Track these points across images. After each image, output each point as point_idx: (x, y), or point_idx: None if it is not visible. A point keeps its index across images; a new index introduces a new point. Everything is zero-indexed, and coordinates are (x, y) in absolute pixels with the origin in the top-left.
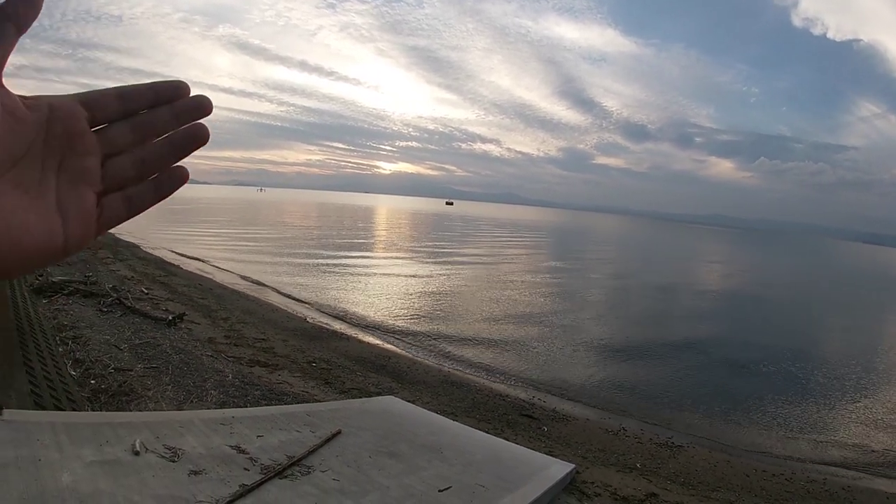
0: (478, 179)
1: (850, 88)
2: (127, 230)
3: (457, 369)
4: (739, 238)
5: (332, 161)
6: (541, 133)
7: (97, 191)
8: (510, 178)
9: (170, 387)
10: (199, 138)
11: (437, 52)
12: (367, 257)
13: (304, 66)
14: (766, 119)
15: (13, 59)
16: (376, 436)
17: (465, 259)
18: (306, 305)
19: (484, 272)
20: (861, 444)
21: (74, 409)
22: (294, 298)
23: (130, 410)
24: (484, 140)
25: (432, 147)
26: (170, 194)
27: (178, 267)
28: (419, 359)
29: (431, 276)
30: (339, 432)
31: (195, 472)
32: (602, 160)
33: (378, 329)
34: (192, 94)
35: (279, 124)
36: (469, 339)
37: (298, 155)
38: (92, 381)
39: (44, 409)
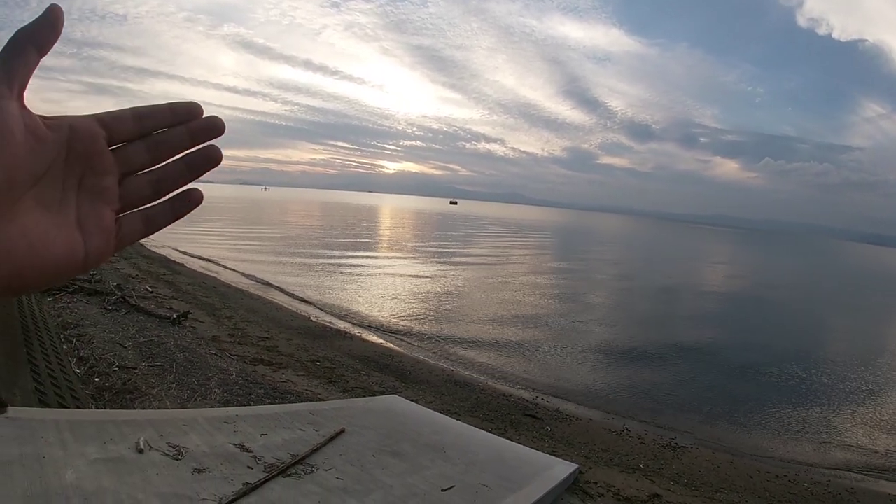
0: (482, 179)
1: (856, 89)
2: None
3: (460, 369)
4: (743, 238)
5: (336, 160)
6: (545, 133)
7: (115, 208)
8: (514, 177)
9: (174, 385)
10: (213, 159)
11: (441, 51)
12: (371, 257)
13: (308, 65)
14: (770, 119)
15: None
16: (380, 435)
17: (469, 259)
18: (310, 304)
19: (488, 273)
20: (865, 446)
21: (78, 407)
22: (298, 297)
23: (134, 408)
24: (488, 139)
25: (436, 146)
26: (185, 215)
27: (182, 265)
28: (423, 358)
29: (435, 277)
30: (342, 431)
31: (199, 471)
32: (606, 160)
33: (382, 328)
34: (209, 116)
35: (283, 123)
36: (473, 339)
37: (303, 154)
38: (96, 379)
39: (48, 406)
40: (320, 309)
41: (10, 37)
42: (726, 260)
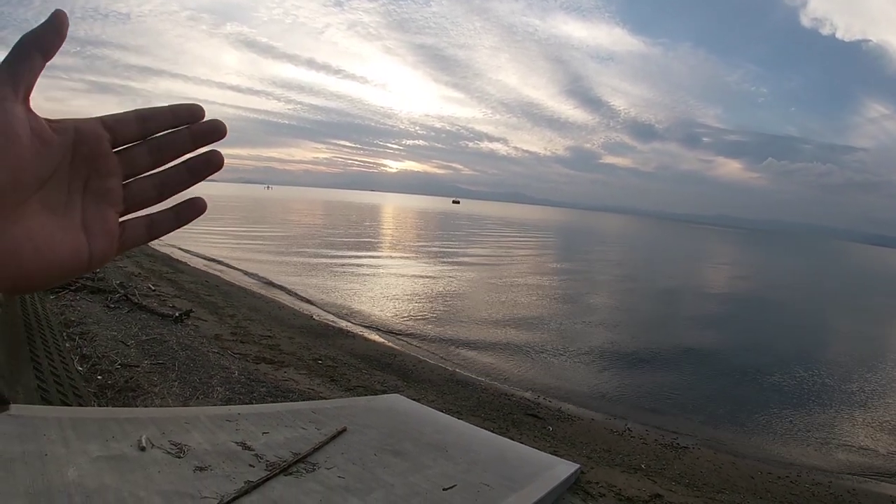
0: (484, 178)
1: (859, 89)
2: None
3: (462, 368)
4: (746, 239)
5: (338, 159)
6: (548, 132)
7: (119, 211)
8: (517, 177)
9: (176, 383)
10: (214, 164)
11: (444, 50)
12: (374, 257)
13: (311, 63)
14: (774, 119)
15: None
16: (381, 434)
17: (471, 259)
18: (312, 303)
19: (491, 273)
20: (867, 447)
21: (81, 405)
22: (300, 296)
23: (136, 406)
24: (491, 139)
25: (439, 145)
26: (188, 222)
27: (185, 264)
28: (425, 357)
29: (438, 277)
30: (344, 430)
31: (200, 469)
32: (609, 160)
33: (384, 328)
34: (210, 119)
35: (286, 122)
36: (475, 339)
37: (305, 153)
38: (98, 377)
39: (50, 404)
40: (322, 308)
41: (13, 38)
42: (729, 261)
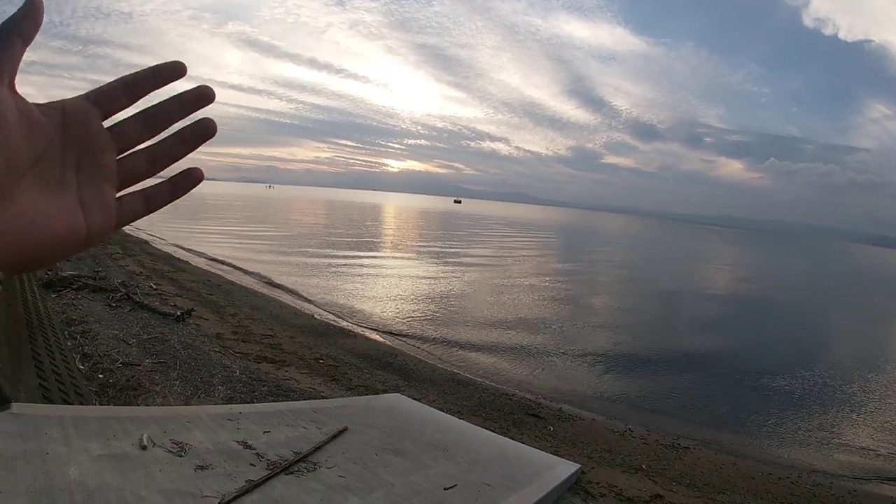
0: (486, 178)
1: (861, 89)
2: (137, 226)
3: (463, 368)
4: (748, 239)
5: (340, 158)
6: (550, 132)
7: (114, 185)
8: (519, 176)
9: (177, 382)
10: (207, 131)
11: (446, 49)
12: (375, 257)
13: (313, 63)
14: (776, 119)
15: (24, 56)
16: (382, 433)
17: (473, 260)
18: (314, 302)
19: (492, 274)
20: (868, 449)
21: (82, 404)
22: (302, 295)
23: (138, 405)
24: (493, 138)
25: (441, 145)
26: (185, 193)
27: (186, 263)
28: (426, 357)
29: (439, 277)
30: (345, 429)
31: (202, 467)
32: (611, 159)
33: (385, 327)
34: (198, 86)
35: (288, 121)
36: (476, 339)
37: (307, 152)
38: (100, 376)
39: (52, 402)
40: (324, 307)
41: None
42: (731, 261)
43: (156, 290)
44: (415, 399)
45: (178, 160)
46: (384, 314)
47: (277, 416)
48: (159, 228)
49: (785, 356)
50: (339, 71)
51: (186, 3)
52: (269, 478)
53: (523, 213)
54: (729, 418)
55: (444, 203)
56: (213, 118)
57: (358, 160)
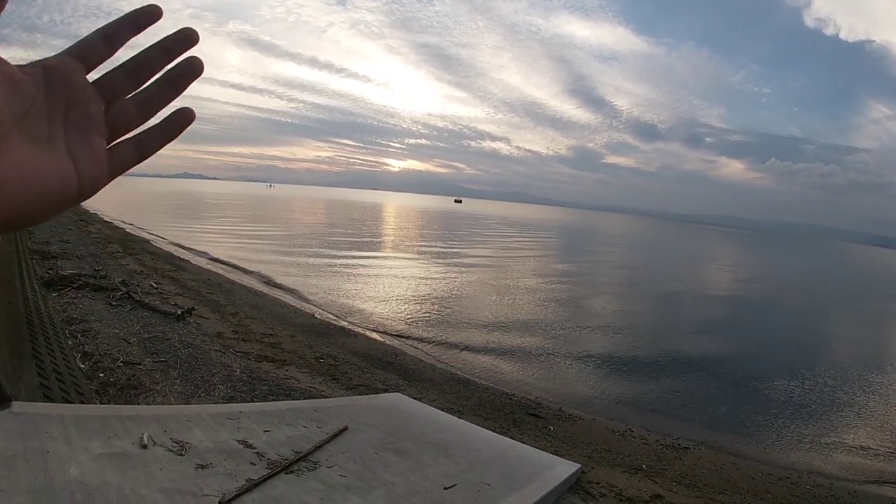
0: (487, 177)
1: (863, 90)
2: (138, 225)
3: (464, 368)
4: (749, 239)
5: (341, 158)
6: (550, 132)
7: (104, 135)
8: (519, 176)
9: (178, 381)
10: (195, 69)
11: (446, 49)
12: (376, 257)
13: (313, 62)
14: (777, 120)
15: (24, 55)
16: (382, 432)
17: (474, 260)
18: (314, 302)
19: (493, 274)
20: (869, 450)
21: (83, 402)
22: (302, 295)
23: (138, 404)
24: (493, 138)
25: (441, 145)
26: (177, 136)
27: (187, 262)
28: (426, 357)
29: (440, 277)
30: (345, 428)
31: (202, 466)
32: (612, 159)
33: (386, 327)
34: (179, 29)
35: (289, 121)
36: (477, 339)
37: (308, 151)
38: (101, 374)
39: (53, 401)
40: (324, 307)
41: (17, 35)
42: (732, 262)
43: (156, 288)
44: (415, 398)
45: (167, 104)
46: (385, 314)
47: (278, 415)
48: (160, 228)
49: (785, 357)
50: (339, 70)
51: (187, 2)
52: (269, 477)
53: (524, 212)
54: (729, 419)
55: (444, 202)
56: (197, 56)
57: (359, 159)
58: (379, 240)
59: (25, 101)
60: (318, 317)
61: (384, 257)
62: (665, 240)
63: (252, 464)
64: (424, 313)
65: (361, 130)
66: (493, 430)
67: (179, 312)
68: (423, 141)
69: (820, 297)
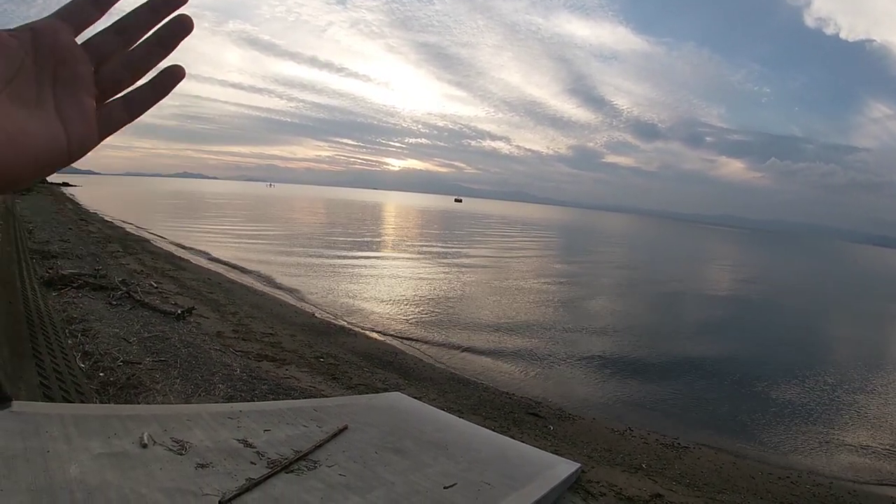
0: (487, 177)
1: (863, 89)
2: (138, 225)
3: (463, 367)
4: (749, 239)
5: (341, 157)
6: (550, 131)
7: (94, 95)
8: (520, 175)
9: (178, 380)
10: (184, 27)
11: (447, 48)
12: (376, 256)
13: (313, 62)
14: (777, 119)
15: None
16: (382, 432)
17: (474, 260)
18: (314, 301)
19: (493, 274)
20: (869, 449)
21: (83, 402)
22: (302, 294)
23: (139, 403)
24: (493, 137)
25: (441, 144)
26: (167, 93)
27: (187, 261)
28: (426, 356)
29: (440, 277)
30: (345, 428)
31: (202, 466)
32: (612, 159)
33: (386, 326)
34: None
35: (289, 120)
36: (477, 338)
37: (308, 151)
38: (101, 374)
39: (53, 401)
40: (324, 306)
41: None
42: (732, 262)
43: (156, 288)
44: (415, 398)
45: (157, 62)
46: (385, 313)
47: (278, 414)
48: (160, 227)
49: (786, 357)
50: (339, 69)
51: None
52: (269, 476)
53: (524, 212)
54: (729, 418)
55: (444, 202)
56: (186, 13)
57: (359, 159)
58: (379, 239)
59: (13, 65)
60: (318, 316)
61: (384, 257)
62: (665, 239)
63: (252, 463)
64: (424, 313)
65: (361, 130)
66: (493, 430)
67: (179, 312)
68: (424, 140)
69: (820, 296)
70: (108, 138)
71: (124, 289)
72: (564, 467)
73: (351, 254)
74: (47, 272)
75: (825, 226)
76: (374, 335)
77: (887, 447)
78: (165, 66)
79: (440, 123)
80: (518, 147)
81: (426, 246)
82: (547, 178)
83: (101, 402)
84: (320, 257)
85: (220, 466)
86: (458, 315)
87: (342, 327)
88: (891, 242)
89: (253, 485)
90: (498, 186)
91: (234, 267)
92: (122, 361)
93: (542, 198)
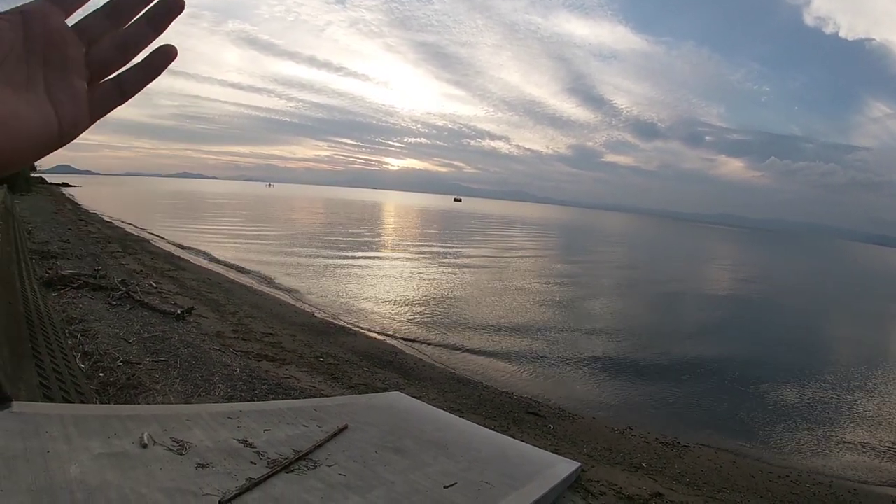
0: (487, 176)
1: (862, 88)
2: (138, 225)
3: (463, 367)
4: (749, 238)
5: (340, 157)
6: (550, 130)
7: (85, 77)
8: (519, 175)
9: (178, 380)
10: (174, 8)
11: (446, 48)
12: (376, 256)
13: (312, 61)
14: (777, 118)
15: None
16: (382, 431)
17: (473, 260)
18: (314, 301)
19: (493, 274)
20: (869, 448)
21: (83, 402)
22: (301, 294)
23: (139, 403)
24: (493, 137)
25: (441, 143)
26: (159, 74)
27: (186, 261)
28: (426, 356)
29: (440, 277)
30: (345, 427)
31: (202, 466)
32: (611, 158)
33: (385, 326)
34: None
35: (288, 120)
36: (476, 338)
37: (307, 150)
38: (100, 374)
39: (53, 401)
40: (324, 306)
41: None
42: (732, 261)
43: (156, 288)
44: (415, 397)
45: (148, 43)
46: (384, 313)
47: (278, 414)
48: (160, 227)
49: (785, 356)
50: (338, 69)
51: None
52: (269, 476)
53: (523, 211)
54: (729, 417)
55: (444, 201)
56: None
57: (358, 158)
58: (378, 239)
59: (3, 48)
60: (318, 316)
61: (384, 257)
62: (664, 239)
63: (252, 463)
64: (424, 313)
65: (360, 129)
66: (493, 429)
67: (179, 312)
68: (423, 140)
69: (819, 296)
70: (108, 139)
71: (124, 289)
72: (564, 466)
73: (350, 254)
74: (47, 272)
75: (825, 225)
76: (374, 335)
77: (887, 446)
78: (157, 46)
79: (439, 123)
80: (517, 146)
81: (426, 246)
82: (546, 178)
83: (101, 403)
84: (320, 257)
85: (220, 466)
86: (457, 315)
87: (342, 327)
88: (890, 241)
89: (253, 485)
90: (497, 186)
91: (234, 267)
92: (121, 361)
93: (542, 197)
